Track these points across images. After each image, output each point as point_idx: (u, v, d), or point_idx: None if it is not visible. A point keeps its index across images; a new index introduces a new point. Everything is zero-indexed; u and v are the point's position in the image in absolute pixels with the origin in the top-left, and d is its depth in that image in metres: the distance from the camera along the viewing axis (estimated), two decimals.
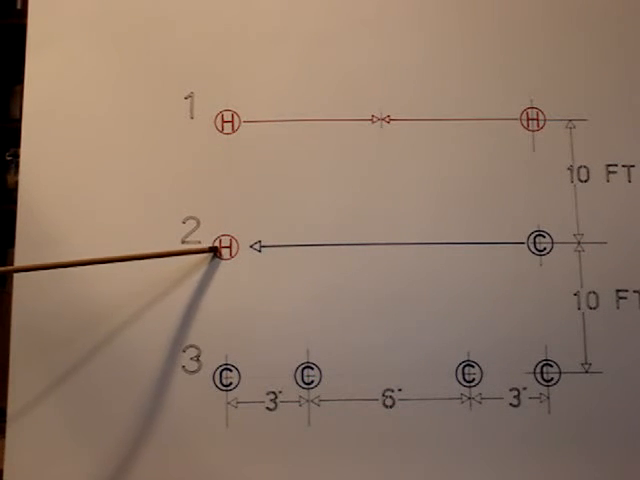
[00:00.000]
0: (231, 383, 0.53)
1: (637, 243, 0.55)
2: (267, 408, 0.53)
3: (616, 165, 0.56)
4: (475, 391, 0.53)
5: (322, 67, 0.57)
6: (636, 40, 0.57)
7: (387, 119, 0.56)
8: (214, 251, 0.54)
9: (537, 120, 0.56)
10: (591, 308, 0.54)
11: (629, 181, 0.56)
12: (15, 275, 0.54)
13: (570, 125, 0.56)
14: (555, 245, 0.55)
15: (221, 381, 0.53)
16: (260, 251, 0.55)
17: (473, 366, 0.53)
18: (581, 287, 0.54)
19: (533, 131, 0.56)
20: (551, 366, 0.53)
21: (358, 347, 0.54)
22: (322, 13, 0.57)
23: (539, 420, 0.53)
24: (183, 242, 0.55)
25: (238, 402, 0.53)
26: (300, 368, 0.53)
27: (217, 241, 0.55)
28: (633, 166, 0.56)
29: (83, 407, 0.53)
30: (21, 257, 0.54)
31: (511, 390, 0.53)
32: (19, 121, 0.56)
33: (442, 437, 0.53)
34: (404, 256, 0.55)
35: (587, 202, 0.55)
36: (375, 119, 0.56)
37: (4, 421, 0.52)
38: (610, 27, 0.58)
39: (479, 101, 0.56)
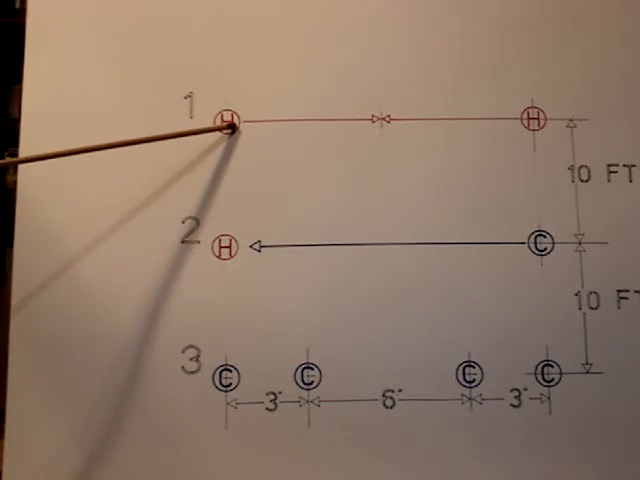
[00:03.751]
0: (231, 384, 0.53)
1: (638, 243, 0.55)
2: (267, 409, 0.53)
3: (617, 165, 0.56)
4: (476, 392, 0.53)
5: (322, 67, 0.56)
6: (636, 40, 0.57)
7: (387, 119, 0.56)
8: (232, 128, 0.54)
9: (538, 119, 0.56)
10: (592, 308, 0.54)
11: (630, 181, 0.56)
12: (15, 274, 0.54)
13: (571, 125, 0.56)
14: (556, 245, 0.55)
15: (221, 382, 0.53)
16: (260, 251, 0.54)
17: (474, 367, 0.53)
18: (582, 287, 0.54)
19: (534, 131, 0.56)
20: (552, 366, 0.53)
21: (358, 347, 0.53)
22: (322, 13, 0.57)
23: (540, 421, 0.53)
24: (183, 242, 0.54)
25: (238, 403, 0.53)
26: (300, 368, 0.53)
27: (217, 241, 0.55)
28: (634, 166, 0.56)
29: (82, 408, 0.53)
30: (20, 256, 0.54)
31: (512, 391, 0.53)
32: (18, 121, 0.55)
33: (442, 437, 0.53)
34: (404, 256, 0.54)
35: (588, 202, 0.55)
36: (375, 119, 0.56)
37: (4, 422, 0.52)
38: (610, 27, 0.57)
39: (480, 101, 0.56)
